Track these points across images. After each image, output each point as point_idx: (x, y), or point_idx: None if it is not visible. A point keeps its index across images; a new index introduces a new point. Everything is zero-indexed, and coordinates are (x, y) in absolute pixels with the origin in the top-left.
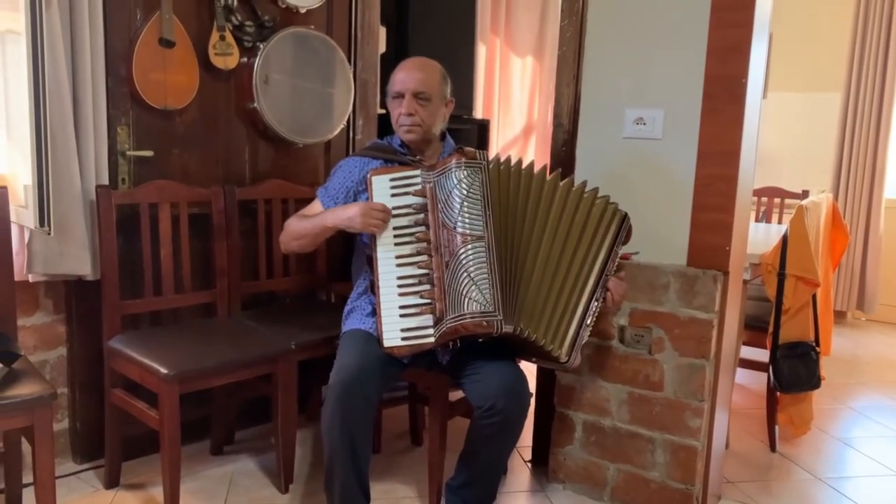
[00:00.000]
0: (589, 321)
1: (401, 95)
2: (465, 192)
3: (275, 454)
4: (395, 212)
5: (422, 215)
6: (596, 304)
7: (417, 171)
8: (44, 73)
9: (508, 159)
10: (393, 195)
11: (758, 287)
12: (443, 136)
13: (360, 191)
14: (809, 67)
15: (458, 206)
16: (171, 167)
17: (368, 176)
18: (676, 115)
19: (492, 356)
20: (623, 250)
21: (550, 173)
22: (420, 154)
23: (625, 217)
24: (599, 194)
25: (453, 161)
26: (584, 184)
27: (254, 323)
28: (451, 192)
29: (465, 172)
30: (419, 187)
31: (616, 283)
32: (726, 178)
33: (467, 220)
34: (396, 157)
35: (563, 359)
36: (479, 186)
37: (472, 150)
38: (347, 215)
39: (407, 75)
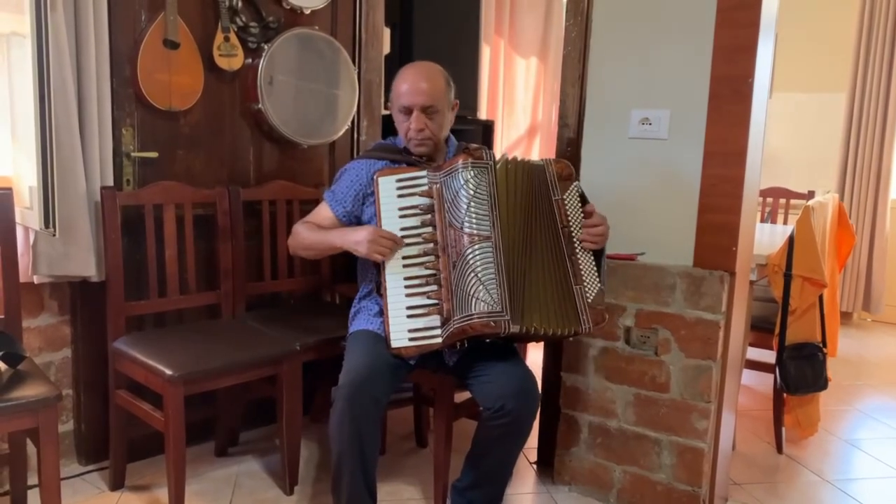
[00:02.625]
0: (584, 278)
1: (409, 111)
2: (471, 192)
3: (279, 456)
4: (401, 213)
5: (428, 216)
6: (575, 258)
7: (424, 172)
8: (49, 74)
9: (515, 158)
10: (399, 196)
11: (764, 288)
12: (446, 138)
13: (369, 193)
14: (815, 68)
15: (465, 207)
16: (175, 168)
17: (375, 177)
18: (682, 115)
19: (500, 357)
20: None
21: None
22: (429, 160)
23: (544, 165)
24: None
25: (460, 161)
26: (515, 161)
27: (258, 324)
28: (457, 193)
29: (472, 173)
30: (426, 188)
31: (587, 223)
32: (733, 178)
33: (474, 221)
34: (402, 157)
35: (580, 329)
36: (486, 186)
37: (478, 148)
38: (355, 239)
39: (413, 88)
